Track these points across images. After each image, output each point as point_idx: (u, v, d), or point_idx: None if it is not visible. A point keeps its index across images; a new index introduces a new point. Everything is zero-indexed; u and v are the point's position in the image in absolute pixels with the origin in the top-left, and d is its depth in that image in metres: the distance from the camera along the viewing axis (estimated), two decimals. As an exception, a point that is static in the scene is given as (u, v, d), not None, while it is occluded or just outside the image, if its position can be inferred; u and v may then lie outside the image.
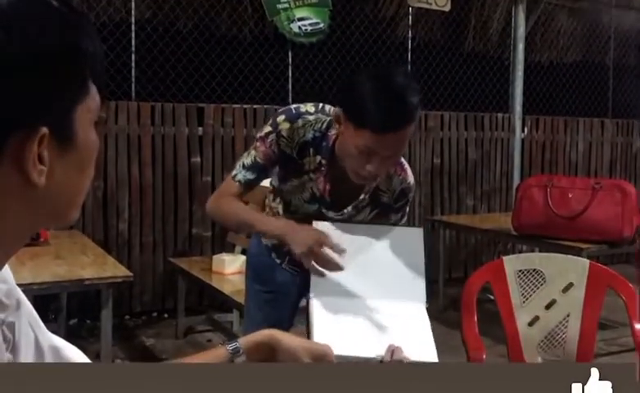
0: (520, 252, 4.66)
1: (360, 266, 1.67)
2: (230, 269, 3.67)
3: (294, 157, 1.75)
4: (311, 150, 1.74)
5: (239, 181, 1.80)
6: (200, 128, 4.68)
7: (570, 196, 3.58)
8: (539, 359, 2.17)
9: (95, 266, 2.78)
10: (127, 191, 4.47)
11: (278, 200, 1.92)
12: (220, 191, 1.88)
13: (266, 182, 1.95)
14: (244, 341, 1.05)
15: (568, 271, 2.23)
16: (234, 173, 1.82)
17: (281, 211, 1.90)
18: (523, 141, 6.00)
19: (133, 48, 4.51)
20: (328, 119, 1.73)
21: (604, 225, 3.50)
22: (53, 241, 3.18)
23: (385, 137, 1.53)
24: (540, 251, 3.75)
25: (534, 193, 3.67)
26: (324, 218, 1.78)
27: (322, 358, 1.03)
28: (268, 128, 1.77)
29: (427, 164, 5.55)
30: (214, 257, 3.81)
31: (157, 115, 4.54)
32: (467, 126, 5.81)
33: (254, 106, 4.85)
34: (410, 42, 5.57)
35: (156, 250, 4.57)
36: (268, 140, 1.75)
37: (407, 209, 1.87)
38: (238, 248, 4.15)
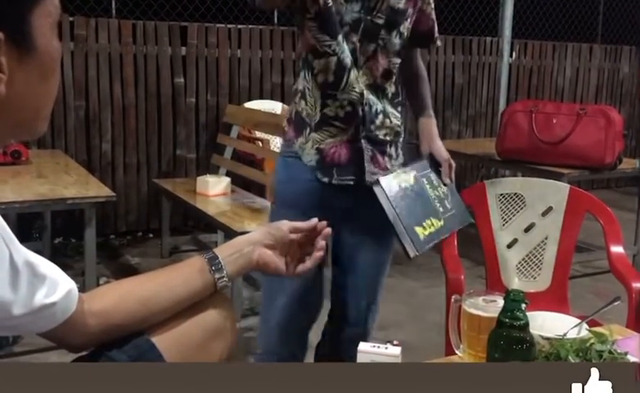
0: (504, 177, 4.70)
1: None
2: (214, 191, 3.67)
3: None
4: None
5: None
6: (184, 48, 4.58)
7: (555, 121, 3.58)
8: (516, 280, 2.23)
9: (78, 185, 2.77)
10: (109, 112, 4.41)
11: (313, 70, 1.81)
12: None
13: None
14: (219, 250, 1.07)
15: (548, 195, 2.26)
16: None
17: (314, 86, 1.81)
18: (510, 65, 5.95)
19: (113, -38, 4.36)
20: None
21: (586, 151, 3.52)
22: (35, 160, 3.16)
23: None
24: (523, 176, 3.78)
25: (518, 118, 3.66)
26: (372, 26, 1.76)
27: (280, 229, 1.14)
28: None
29: (414, 88, 5.50)
30: (198, 178, 3.80)
31: (139, 34, 4.44)
32: (455, 50, 5.74)
33: (239, 26, 4.75)
34: (399, -39, 5.42)
35: (140, 171, 4.55)
36: None
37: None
38: (222, 170, 4.15)
